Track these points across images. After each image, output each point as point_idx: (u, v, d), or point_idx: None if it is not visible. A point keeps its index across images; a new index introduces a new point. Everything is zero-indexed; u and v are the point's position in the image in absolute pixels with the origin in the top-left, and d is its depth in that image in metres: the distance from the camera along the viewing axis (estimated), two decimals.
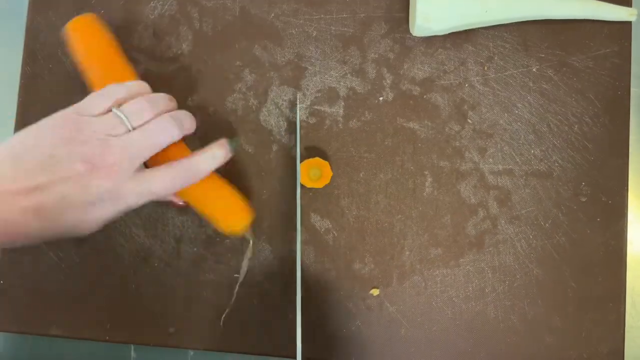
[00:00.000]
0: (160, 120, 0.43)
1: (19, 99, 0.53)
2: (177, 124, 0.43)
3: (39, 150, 0.40)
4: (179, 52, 0.52)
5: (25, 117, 0.52)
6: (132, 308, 0.50)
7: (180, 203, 0.48)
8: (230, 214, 0.47)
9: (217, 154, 0.44)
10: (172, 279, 0.50)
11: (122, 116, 0.42)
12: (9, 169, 0.39)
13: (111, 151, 0.40)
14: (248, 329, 0.49)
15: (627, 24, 0.49)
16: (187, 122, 0.44)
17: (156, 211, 0.51)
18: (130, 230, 0.51)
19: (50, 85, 0.52)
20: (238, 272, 0.50)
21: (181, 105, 0.51)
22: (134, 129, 0.42)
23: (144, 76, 0.52)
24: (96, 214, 0.40)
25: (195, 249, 0.50)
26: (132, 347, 0.52)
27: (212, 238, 0.50)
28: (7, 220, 0.38)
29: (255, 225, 0.50)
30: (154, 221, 0.51)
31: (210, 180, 0.46)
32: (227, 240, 0.50)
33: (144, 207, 0.50)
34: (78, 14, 0.52)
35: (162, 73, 0.52)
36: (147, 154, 0.42)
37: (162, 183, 0.42)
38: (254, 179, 0.50)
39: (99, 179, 0.40)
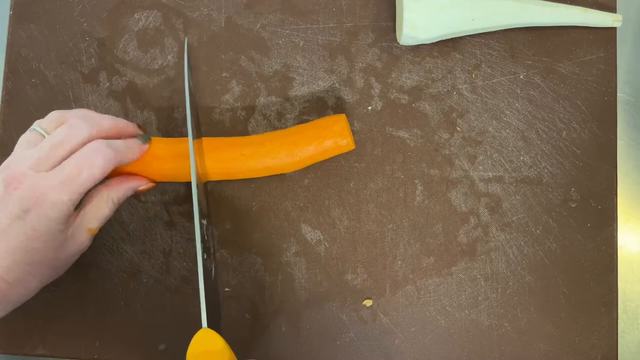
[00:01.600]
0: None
1: (0, 115, 0.52)
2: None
3: None
4: (165, 64, 0.51)
5: (7, 132, 0.51)
6: (121, 325, 0.49)
7: (144, 185, 0.46)
8: None
9: (129, 145, 0.44)
10: (162, 295, 0.49)
11: (40, 130, 0.42)
12: None
13: (17, 161, 0.40)
14: (240, 342, 0.48)
15: (612, 30, 0.50)
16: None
17: (144, 225, 0.50)
18: (118, 246, 0.50)
19: (33, 100, 0.51)
20: (229, 286, 0.49)
21: (167, 118, 0.50)
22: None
23: (129, 89, 0.51)
24: (34, 227, 0.39)
25: (184, 264, 0.49)
26: None
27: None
28: None
29: (246, 238, 0.49)
30: (142, 236, 0.50)
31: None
32: (217, 254, 0.49)
33: (130, 222, 0.50)
34: (60, 26, 0.52)
35: (147, 85, 0.51)
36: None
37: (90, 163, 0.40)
38: (244, 190, 0.50)
39: (14, 190, 0.39)
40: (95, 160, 0.40)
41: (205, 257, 0.44)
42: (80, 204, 0.43)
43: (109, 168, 0.41)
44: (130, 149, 0.44)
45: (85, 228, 0.43)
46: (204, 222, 0.46)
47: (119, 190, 0.45)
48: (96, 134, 0.42)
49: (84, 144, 0.41)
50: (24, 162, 0.40)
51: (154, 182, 0.47)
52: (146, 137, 0.45)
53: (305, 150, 0.46)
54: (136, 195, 0.49)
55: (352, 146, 0.47)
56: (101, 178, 0.41)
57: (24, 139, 0.42)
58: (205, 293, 0.42)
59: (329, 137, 0.46)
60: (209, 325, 0.41)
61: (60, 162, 0.40)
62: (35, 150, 0.41)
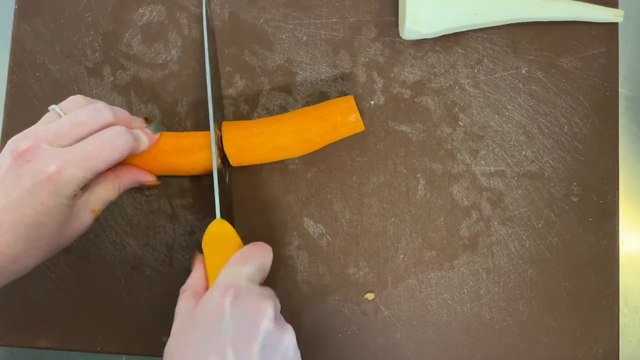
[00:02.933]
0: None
1: (5, 108, 0.52)
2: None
3: None
4: (168, 58, 0.52)
5: (11, 126, 0.52)
6: (124, 317, 0.49)
7: (150, 180, 0.47)
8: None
9: (140, 135, 0.44)
10: (165, 287, 0.49)
11: (58, 111, 0.42)
12: None
13: (31, 135, 0.40)
14: None
15: (614, 25, 0.50)
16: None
17: (147, 219, 0.50)
18: (121, 239, 0.50)
19: (37, 94, 0.52)
20: None
21: (171, 112, 0.51)
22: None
23: (133, 83, 0.51)
24: (43, 201, 0.39)
25: (187, 257, 0.50)
26: (124, 357, 0.51)
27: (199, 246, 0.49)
28: None
29: (248, 232, 0.49)
30: (145, 229, 0.50)
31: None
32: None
33: (134, 215, 0.50)
34: (65, 20, 0.52)
35: (151, 79, 0.51)
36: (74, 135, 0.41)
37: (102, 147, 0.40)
38: (247, 185, 0.50)
39: (28, 162, 0.38)
40: (117, 142, 0.41)
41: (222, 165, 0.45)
42: (86, 186, 0.43)
43: (126, 153, 0.42)
44: (142, 138, 0.44)
45: (89, 209, 0.43)
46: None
47: (126, 179, 0.45)
48: (116, 122, 0.42)
49: (104, 127, 0.41)
50: (39, 136, 0.40)
51: (159, 180, 0.47)
52: (156, 126, 0.46)
53: (314, 127, 0.46)
54: (139, 188, 0.49)
55: (361, 126, 0.47)
56: (118, 161, 0.41)
57: (45, 119, 0.42)
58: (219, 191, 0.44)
59: (337, 113, 0.46)
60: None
61: (75, 142, 0.40)
62: (53, 125, 0.40)
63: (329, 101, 0.48)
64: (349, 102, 0.47)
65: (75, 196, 0.41)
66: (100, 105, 0.42)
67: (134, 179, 0.46)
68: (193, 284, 0.42)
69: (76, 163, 0.39)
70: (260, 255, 0.41)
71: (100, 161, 0.40)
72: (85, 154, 0.40)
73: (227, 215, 0.45)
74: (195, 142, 0.47)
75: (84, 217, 0.43)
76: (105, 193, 0.44)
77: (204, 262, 0.43)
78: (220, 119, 0.48)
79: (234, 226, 0.44)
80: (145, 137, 0.45)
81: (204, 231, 0.49)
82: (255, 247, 0.42)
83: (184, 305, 0.41)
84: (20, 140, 0.40)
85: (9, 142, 0.40)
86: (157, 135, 0.46)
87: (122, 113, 0.44)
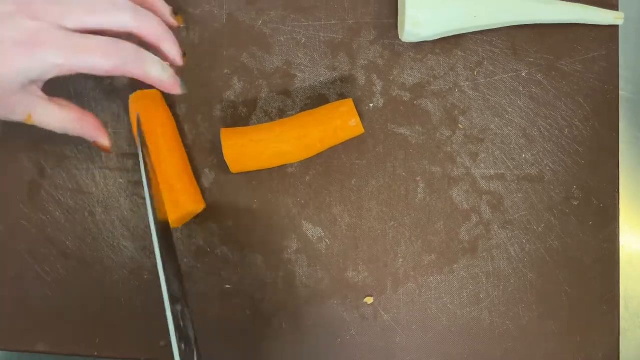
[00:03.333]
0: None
1: None
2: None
3: None
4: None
5: (7, 126, 0.51)
6: (122, 322, 0.49)
7: (106, 144, 0.44)
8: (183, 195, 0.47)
9: (167, 68, 0.43)
10: (162, 291, 0.49)
11: None
12: None
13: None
14: (240, 339, 0.48)
15: (614, 28, 0.50)
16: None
17: (145, 222, 0.50)
18: (119, 243, 0.50)
19: None
20: (229, 283, 0.49)
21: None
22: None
23: (131, 86, 0.51)
24: (17, 59, 0.38)
25: (185, 260, 0.49)
26: None
27: (202, 249, 0.49)
28: None
29: (247, 235, 0.49)
30: (143, 233, 0.50)
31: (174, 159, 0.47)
32: (218, 250, 0.49)
33: (131, 218, 0.50)
34: None
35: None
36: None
37: (98, 48, 0.39)
38: (245, 188, 0.50)
39: (28, 19, 0.38)
40: (121, 56, 0.40)
41: (184, 348, 0.38)
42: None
43: (121, 71, 0.40)
44: (166, 73, 0.43)
45: (29, 112, 0.41)
46: (178, 307, 0.40)
47: (82, 126, 0.43)
48: (136, 32, 0.41)
49: (121, 33, 0.40)
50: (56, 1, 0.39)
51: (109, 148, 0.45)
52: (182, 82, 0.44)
53: (314, 132, 0.46)
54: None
55: (361, 130, 0.47)
56: (108, 73, 0.40)
57: None
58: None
59: (338, 118, 0.46)
60: None
61: (86, 32, 0.39)
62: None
63: (328, 105, 0.47)
64: (348, 105, 0.46)
65: (34, 82, 0.39)
66: (144, 15, 0.41)
67: (87, 129, 0.43)
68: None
69: (72, 48, 0.38)
70: None
71: (94, 63, 0.39)
72: (86, 46, 0.39)
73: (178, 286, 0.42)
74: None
75: (20, 110, 0.40)
76: (53, 114, 0.42)
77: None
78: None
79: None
80: (160, 69, 0.42)
81: (202, 233, 0.49)
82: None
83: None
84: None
85: None
86: (179, 90, 0.44)
87: (151, 26, 0.42)
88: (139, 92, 0.49)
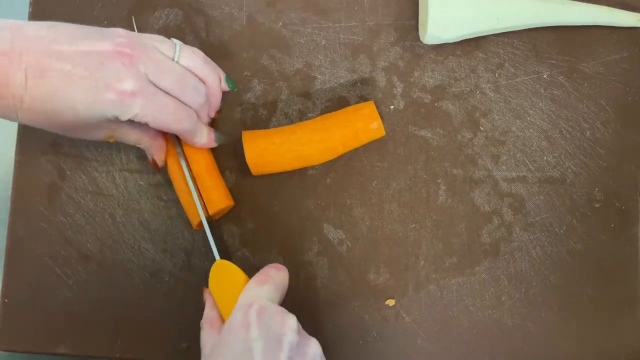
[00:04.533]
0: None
1: None
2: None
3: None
4: None
5: (27, 129, 0.51)
6: (143, 324, 0.49)
7: (160, 163, 0.47)
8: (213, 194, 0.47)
9: (207, 133, 0.46)
10: (184, 293, 0.49)
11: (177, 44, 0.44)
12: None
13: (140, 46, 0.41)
14: None
15: (636, 30, 0.50)
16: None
17: (165, 224, 0.50)
18: (139, 245, 0.50)
19: None
20: None
21: None
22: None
23: None
24: (107, 97, 0.39)
25: (206, 262, 0.49)
26: None
27: (223, 251, 0.49)
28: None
29: (267, 237, 0.49)
30: (164, 235, 0.50)
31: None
32: (239, 253, 0.49)
33: (152, 221, 0.50)
34: (80, 24, 0.52)
35: None
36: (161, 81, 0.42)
37: (174, 112, 0.42)
38: (266, 190, 0.49)
39: (131, 63, 0.40)
40: (185, 122, 0.43)
41: None
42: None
43: (180, 134, 0.45)
44: (203, 137, 0.46)
45: (110, 133, 0.44)
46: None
47: (153, 144, 0.46)
48: (200, 108, 0.45)
49: (191, 102, 0.44)
50: (146, 55, 0.41)
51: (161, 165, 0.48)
52: (220, 137, 0.48)
53: (336, 135, 0.46)
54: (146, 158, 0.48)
55: (382, 132, 0.47)
56: (168, 131, 0.44)
57: (160, 38, 0.44)
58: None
59: (360, 120, 0.46)
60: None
61: (164, 88, 0.42)
62: (165, 61, 0.42)
63: (349, 107, 0.47)
64: (370, 108, 0.46)
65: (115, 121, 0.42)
66: (202, 87, 0.44)
67: (155, 150, 0.46)
68: (208, 316, 0.43)
69: (145, 104, 0.40)
70: (276, 275, 0.42)
71: (160, 119, 0.41)
72: (159, 104, 0.41)
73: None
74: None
75: (103, 124, 0.42)
76: (132, 134, 0.45)
77: (212, 295, 0.44)
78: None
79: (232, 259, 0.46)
80: (206, 137, 0.46)
81: (223, 235, 0.49)
82: (270, 268, 0.43)
83: (207, 334, 0.42)
84: (129, 42, 0.41)
85: (120, 32, 0.42)
86: (214, 144, 0.47)
87: (208, 105, 0.46)
88: None
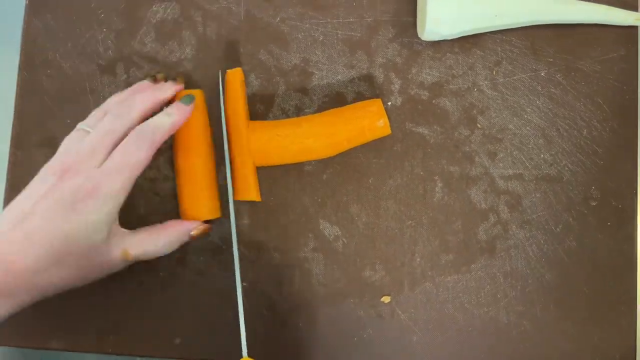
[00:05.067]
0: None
1: (15, 106, 0.51)
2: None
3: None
4: (182, 56, 0.51)
5: (22, 123, 0.51)
6: (137, 319, 0.49)
7: (199, 229, 0.47)
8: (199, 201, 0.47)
9: (169, 111, 0.45)
10: (178, 289, 0.49)
11: (86, 128, 0.44)
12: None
13: (70, 153, 0.42)
14: (256, 338, 0.48)
15: (634, 29, 0.50)
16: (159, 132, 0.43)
17: (161, 220, 0.49)
18: None
19: (49, 92, 0.51)
20: (246, 281, 0.49)
21: None
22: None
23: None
24: (84, 217, 0.40)
25: (201, 258, 0.49)
26: (138, 359, 0.51)
27: (219, 247, 0.49)
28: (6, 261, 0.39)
29: (263, 233, 0.49)
30: None
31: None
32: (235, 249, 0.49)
33: (147, 215, 0.49)
34: (77, 17, 0.51)
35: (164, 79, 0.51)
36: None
37: (123, 167, 0.42)
38: (262, 186, 0.49)
39: (69, 180, 0.40)
40: (140, 144, 0.42)
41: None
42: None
43: (153, 148, 0.43)
44: (169, 119, 0.44)
45: (122, 248, 0.43)
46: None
47: (172, 233, 0.46)
48: (137, 118, 0.44)
49: (129, 129, 0.43)
50: (77, 154, 0.42)
51: (208, 224, 0.47)
52: (189, 98, 0.46)
53: (341, 130, 0.46)
54: (193, 238, 0.47)
55: (388, 130, 0.46)
56: (148, 159, 0.43)
57: (70, 139, 0.44)
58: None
59: (366, 117, 0.46)
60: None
61: (110, 152, 0.42)
62: (87, 142, 0.42)
63: (356, 104, 0.47)
64: (377, 105, 0.46)
65: (113, 225, 0.43)
66: (116, 109, 0.44)
67: (181, 231, 0.46)
68: None
69: (111, 177, 0.41)
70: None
71: (132, 167, 0.42)
72: (116, 165, 0.41)
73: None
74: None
75: (115, 254, 0.43)
76: (146, 239, 0.45)
77: None
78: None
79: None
80: (174, 115, 0.45)
81: (218, 231, 0.48)
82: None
83: None
84: (61, 159, 0.42)
85: (48, 164, 0.43)
86: (190, 107, 0.46)
87: (143, 102, 0.45)
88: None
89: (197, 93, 0.48)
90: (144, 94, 0.45)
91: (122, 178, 0.41)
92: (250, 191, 0.47)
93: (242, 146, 0.46)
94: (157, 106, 0.46)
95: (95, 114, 0.45)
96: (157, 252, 0.45)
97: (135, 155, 0.42)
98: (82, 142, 0.42)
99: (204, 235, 0.47)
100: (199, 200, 0.47)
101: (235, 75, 0.47)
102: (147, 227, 0.45)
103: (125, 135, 0.43)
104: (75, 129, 0.44)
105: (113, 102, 0.46)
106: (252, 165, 0.47)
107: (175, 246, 0.46)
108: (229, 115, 0.47)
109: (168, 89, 0.47)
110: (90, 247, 0.41)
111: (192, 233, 0.46)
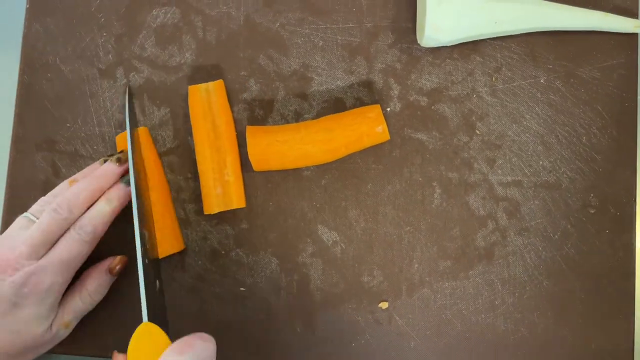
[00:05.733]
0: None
1: (15, 110, 0.51)
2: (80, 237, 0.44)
3: None
4: (182, 61, 0.51)
5: (22, 127, 0.51)
6: (136, 323, 0.49)
7: (115, 263, 0.48)
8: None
9: (110, 197, 0.46)
10: (177, 293, 0.49)
11: (31, 217, 0.44)
12: None
13: (11, 248, 0.43)
14: (254, 342, 0.48)
15: (634, 36, 0.49)
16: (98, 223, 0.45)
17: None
18: (133, 245, 0.49)
19: (49, 95, 0.51)
20: (244, 286, 0.49)
21: (184, 116, 0.50)
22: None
23: (146, 85, 0.51)
24: (26, 312, 0.42)
25: (200, 262, 0.49)
26: None
27: (217, 251, 0.49)
28: None
29: (261, 238, 0.49)
30: None
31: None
32: (232, 253, 0.49)
33: None
34: (77, 21, 0.51)
35: (164, 83, 0.51)
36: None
37: (67, 251, 0.43)
38: (261, 190, 0.49)
39: (9, 277, 0.41)
40: (79, 239, 0.44)
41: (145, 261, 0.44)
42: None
43: (94, 240, 0.45)
44: (112, 204, 0.45)
45: (62, 323, 0.45)
46: (145, 232, 0.46)
47: (92, 283, 0.46)
48: (78, 213, 0.44)
49: (70, 223, 0.44)
50: (18, 249, 0.42)
51: (124, 257, 0.48)
52: (127, 180, 0.47)
53: (340, 136, 0.46)
54: (114, 273, 0.48)
55: (387, 136, 0.47)
56: (89, 251, 0.45)
57: (14, 227, 0.44)
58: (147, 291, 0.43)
59: (365, 124, 0.46)
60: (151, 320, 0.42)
61: (51, 246, 0.43)
62: (28, 237, 0.43)
63: (355, 110, 0.47)
64: (376, 111, 0.46)
65: (57, 307, 0.44)
66: (59, 202, 0.44)
67: (97, 274, 0.47)
68: None
69: (53, 271, 0.42)
70: (200, 346, 0.37)
71: (74, 260, 0.43)
72: (58, 259, 0.42)
73: (158, 314, 0.44)
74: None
75: (60, 332, 0.45)
76: (74, 304, 0.45)
77: None
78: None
79: (167, 326, 0.44)
80: (114, 201, 0.46)
81: (217, 235, 0.49)
82: (195, 338, 0.37)
83: None
84: (2, 255, 0.42)
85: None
86: (129, 189, 0.46)
87: (85, 197, 0.45)
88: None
89: (142, 131, 0.50)
90: (88, 185, 0.45)
91: (62, 272, 0.43)
92: (175, 244, 0.48)
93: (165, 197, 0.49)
94: (100, 194, 0.46)
95: (43, 200, 0.46)
96: (88, 304, 0.46)
97: (76, 249, 0.43)
98: (24, 235, 0.43)
99: (124, 265, 0.48)
100: (161, 237, 0.48)
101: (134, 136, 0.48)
102: (67, 291, 0.46)
103: (66, 228, 0.44)
104: (21, 216, 0.45)
105: (61, 189, 0.46)
106: (173, 216, 0.49)
107: (102, 289, 0.47)
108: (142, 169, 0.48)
109: (111, 176, 0.46)
110: (34, 337, 0.43)
111: (110, 269, 0.47)
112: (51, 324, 0.44)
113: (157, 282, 0.46)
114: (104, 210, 0.45)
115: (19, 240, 0.43)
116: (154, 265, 0.47)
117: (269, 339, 0.48)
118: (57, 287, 0.43)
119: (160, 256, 0.48)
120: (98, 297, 0.47)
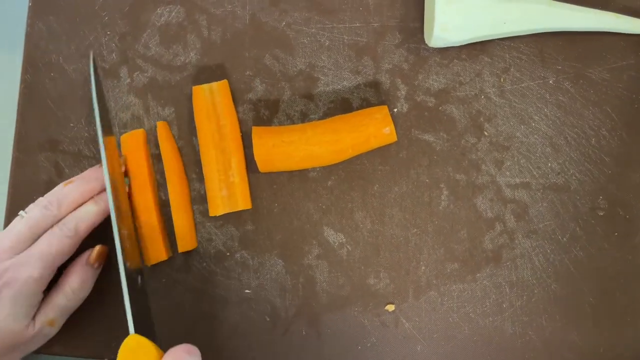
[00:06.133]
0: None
1: (18, 109, 0.51)
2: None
3: None
4: (187, 60, 0.50)
5: (25, 127, 0.50)
6: (127, 326, 0.48)
7: (92, 256, 0.47)
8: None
9: (98, 199, 0.46)
10: (181, 295, 0.49)
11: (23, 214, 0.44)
12: None
13: None
14: (260, 345, 0.48)
15: None
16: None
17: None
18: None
19: (52, 95, 0.51)
20: (249, 288, 0.48)
21: (188, 115, 0.50)
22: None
23: (150, 85, 0.50)
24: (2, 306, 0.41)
25: (204, 264, 0.49)
26: None
27: (222, 253, 0.49)
28: None
29: (267, 240, 0.49)
30: None
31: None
32: (237, 255, 0.49)
33: None
34: (80, 19, 0.51)
35: (169, 82, 0.50)
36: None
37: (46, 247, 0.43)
38: (266, 192, 0.49)
39: None
40: (62, 235, 0.43)
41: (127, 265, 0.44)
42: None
43: (77, 239, 0.44)
44: (99, 205, 0.46)
45: (47, 320, 0.44)
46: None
47: (74, 278, 0.46)
48: (65, 211, 0.45)
49: (56, 221, 0.44)
50: (1, 244, 0.43)
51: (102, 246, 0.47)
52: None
53: (347, 138, 0.46)
54: (98, 265, 0.47)
55: (394, 137, 0.46)
56: (71, 250, 0.44)
57: (11, 224, 0.44)
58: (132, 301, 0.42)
59: (372, 125, 0.46)
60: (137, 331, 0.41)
61: (34, 242, 0.43)
62: (15, 230, 0.43)
63: (362, 111, 0.47)
64: (383, 112, 0.46)
65: (34, 310, 0.43)
66: (47, 202, 0.44)
67: (77, 269, 0.46)
68: None
69: (29, 264, 0.42)
70: None
71: (52, 256, 0.43)
72: (35, 254, 0.42)
73: (143, 322, 0.43)
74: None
75: (45, 330, 0.44)
76: (58, 301, 0.45)
77: None
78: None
79: (152, 333, 0.44)
80: (101, 203, 0.46)
81: (222, 237, 0.48)
82: (182, 352, 0.38)
83: None
84: None
85: None
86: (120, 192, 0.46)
87: (74, 197, 0.45)
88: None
89: (139, 133, 0.49)
90: (79, 185, 0.46)
91: (39, 267, 0.42)
92: (162, 253, 0.48)
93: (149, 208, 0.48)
94: (91, 195, 0.46)
95: (38, 202, 0.45)
96: (72, 301, 0.45)
97: (56, 245, 0.43)
98: (12, 230, 0.43)
99: (103, 255, 0.47)
100: (155, 242, 0.48)
101: (112, 143, 0.48)
102: (54, 286, 0.45)
103: (51, 225, 0.44)
104: (18, 214, 0.45)
105: (56, 189, 0.46)
106: (160, 223, 0.48)
107: (86, 285, 0.46)
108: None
109: (103, 178, 0.46)
110: (14, 334, 0.42)
111: (89, 259, 0.46)
112: (34, 321, 0.43)
113: (139, 278, 0.46)
114: (90, 210, 0.45)
115: (4, 235, 0.43)
116: (136, 268, 0.47)
117: (274, 341, 0.48)
118: (33, 282, 0.42)
119: (180, 251, 0.48)
120: (83, 294, 0.46)
